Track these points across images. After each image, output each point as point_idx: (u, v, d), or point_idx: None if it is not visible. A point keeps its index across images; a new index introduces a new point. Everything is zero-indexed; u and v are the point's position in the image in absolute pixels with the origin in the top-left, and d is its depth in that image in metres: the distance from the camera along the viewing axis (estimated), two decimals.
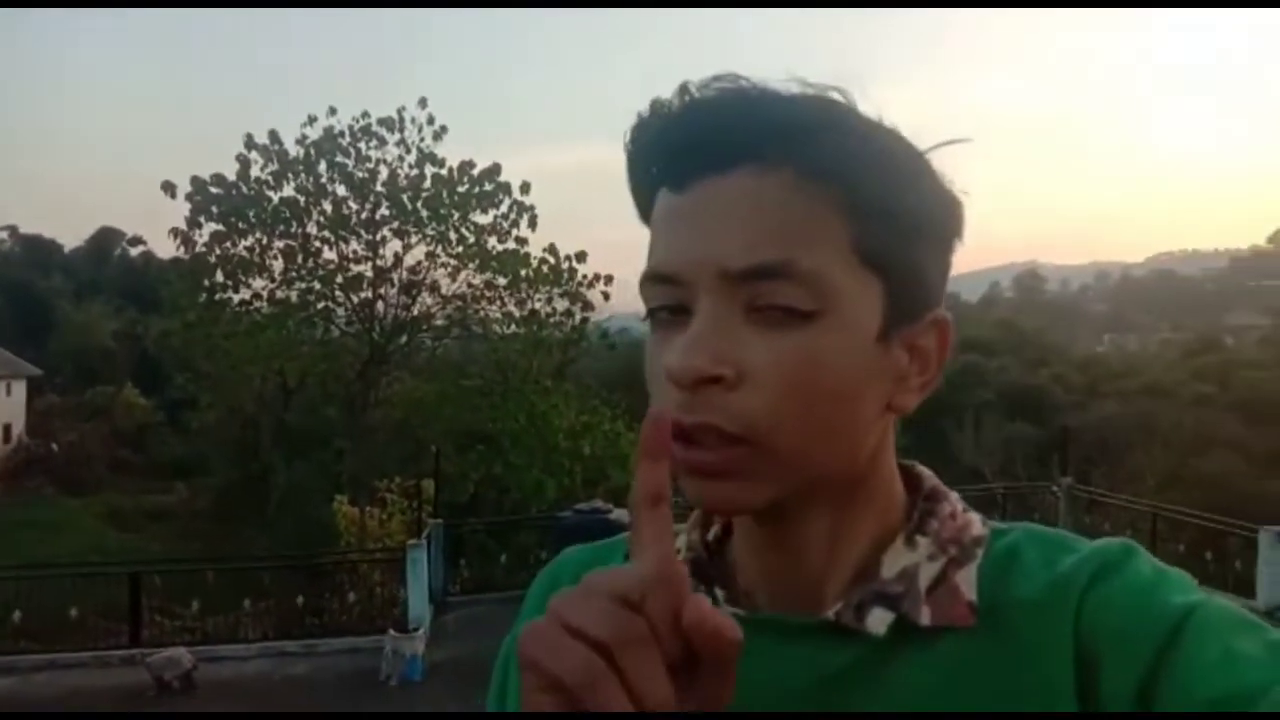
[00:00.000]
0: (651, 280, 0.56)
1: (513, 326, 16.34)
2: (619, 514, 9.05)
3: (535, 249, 16.13)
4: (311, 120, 15.89)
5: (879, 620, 0.55)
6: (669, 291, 0.55)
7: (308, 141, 15.83)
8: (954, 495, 0.61)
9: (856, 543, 0.58)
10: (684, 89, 0.56)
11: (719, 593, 0.60)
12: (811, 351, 0.52)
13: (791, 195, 0.53)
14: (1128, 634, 0.51)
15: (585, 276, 16.20)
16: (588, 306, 16.28)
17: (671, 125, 0.55)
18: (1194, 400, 23.16)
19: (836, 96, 0.55)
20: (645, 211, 0.58)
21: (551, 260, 16.11)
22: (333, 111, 15.89)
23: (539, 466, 14.47)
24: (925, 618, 0.55)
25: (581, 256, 16.28)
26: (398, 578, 9.24)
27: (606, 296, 16.32)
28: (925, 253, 0.56)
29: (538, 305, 16.25)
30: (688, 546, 0.63)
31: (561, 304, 16.27)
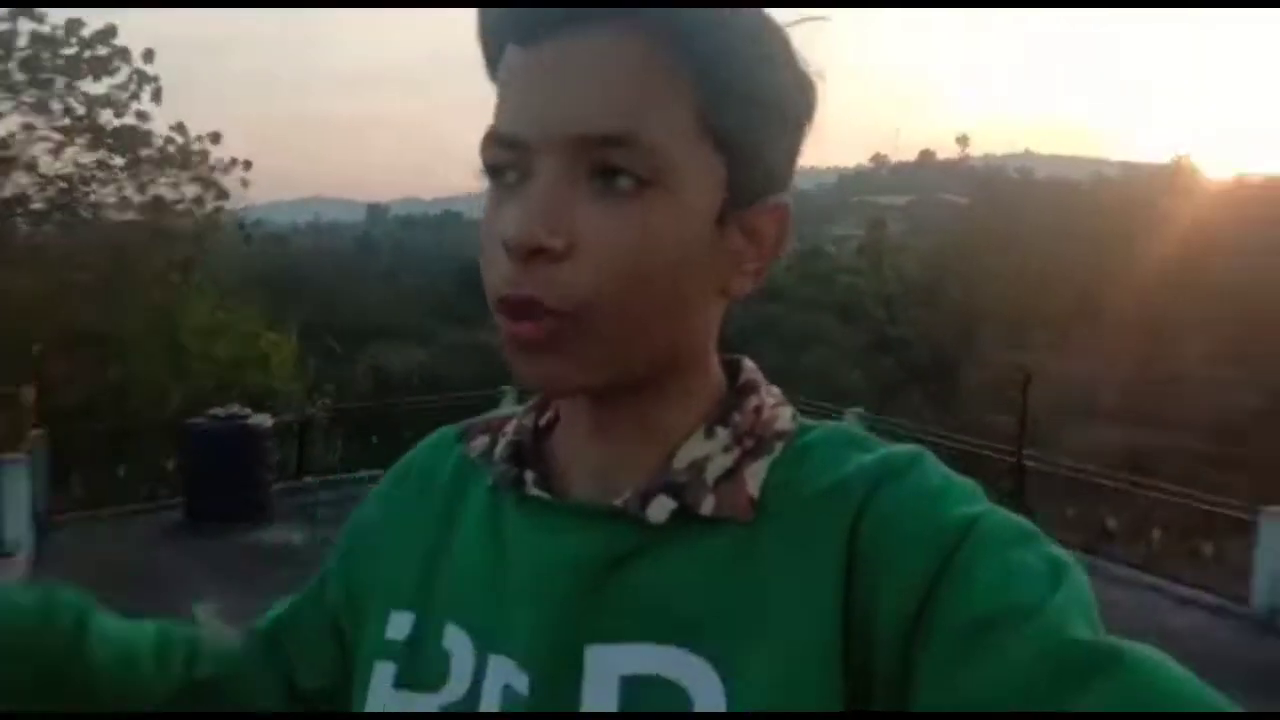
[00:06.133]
0: (494, 142, 0.54)
1: (131, 213, 14.63)
2: (258, 419, 8.64)
3: (160, 126, 14.35)
4: None
5: (660, 508, 0.55)
6: (511, 155, 0.54)
7: None
8: (770, 389, 0.61)
9: (667, 433, 0.58)
10: None
11: (529, 475, 0.60)
12: (645, 224, 0.52)
13: (645, 62, 0.52)
14: (908, 543, 0.50)
15: (220, 160, 14.67)
16: (222, 194, 14.80)
17: None
18: (802, 303, 25.99)
19: None
20: (493, 64, 0.57)
21: (179, 140, 14.39)
22: None
23: (164, 370, 13.33)
24: (708, 508, 0.55)
25: (216, 138, 14.65)
26: None
27: (245, 184, 14.92)
28: (773, 134, 0.56)
29: (162, 190, 14.59)
30: (515, 430, 0.63)
31: (191, 190, 14.68)
